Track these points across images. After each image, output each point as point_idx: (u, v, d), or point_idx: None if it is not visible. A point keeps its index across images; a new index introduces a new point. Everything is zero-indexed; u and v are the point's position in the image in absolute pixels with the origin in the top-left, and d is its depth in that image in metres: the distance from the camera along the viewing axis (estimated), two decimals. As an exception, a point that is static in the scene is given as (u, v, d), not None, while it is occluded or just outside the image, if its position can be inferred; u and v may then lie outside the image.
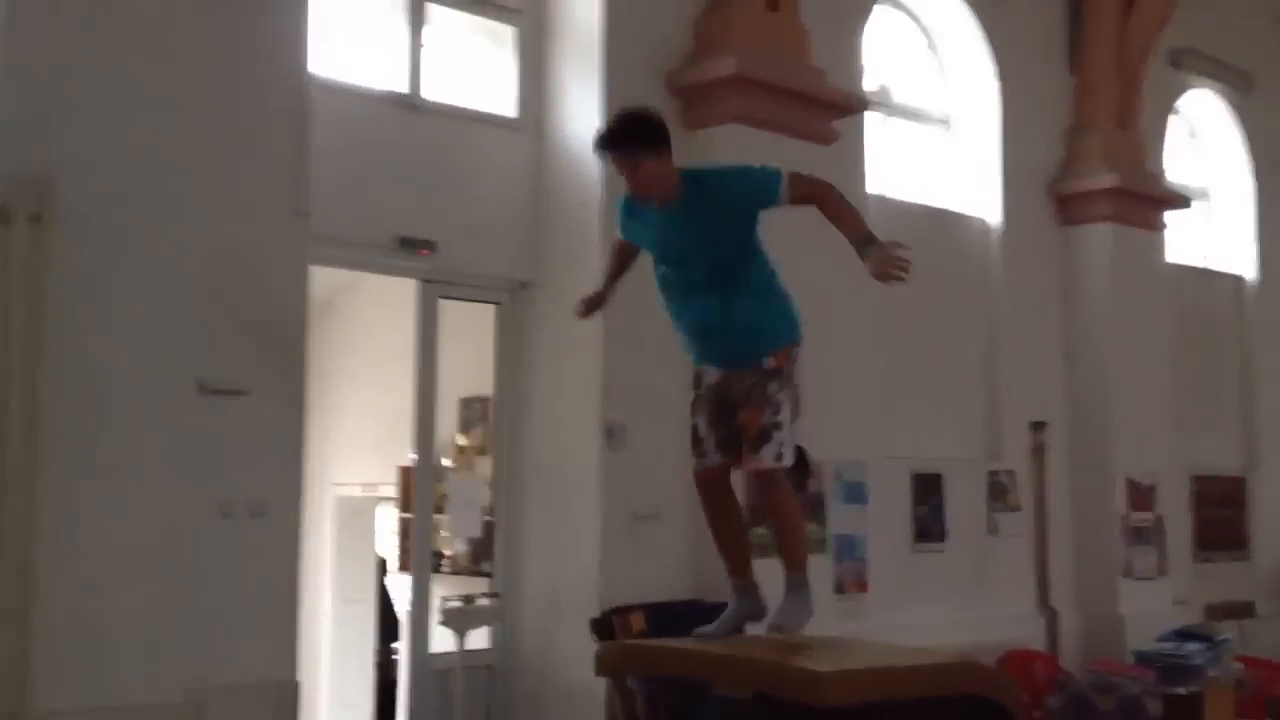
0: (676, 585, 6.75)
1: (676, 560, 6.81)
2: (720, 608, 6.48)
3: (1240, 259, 11.13)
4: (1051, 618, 8.69)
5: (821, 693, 3.70)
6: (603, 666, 4.36)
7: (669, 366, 6.93)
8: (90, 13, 5.08)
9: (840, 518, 7.46)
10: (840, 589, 7.41)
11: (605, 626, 6.26)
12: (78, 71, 5.02)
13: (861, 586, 7.53)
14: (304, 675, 7.85)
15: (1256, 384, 10.87)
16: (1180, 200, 10.02)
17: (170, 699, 4.95)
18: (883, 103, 8.57)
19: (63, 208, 4.84)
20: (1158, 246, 9.84)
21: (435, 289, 6.78)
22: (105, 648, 4.88)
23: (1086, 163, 9.26)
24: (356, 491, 8.15)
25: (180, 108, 5.21)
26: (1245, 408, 10.83)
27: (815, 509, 7.29)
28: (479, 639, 6.88)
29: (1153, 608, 8.81)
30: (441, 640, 6.76)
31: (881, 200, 8.28)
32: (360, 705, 8.00)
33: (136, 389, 5.05)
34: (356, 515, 8.30)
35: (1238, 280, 11.08)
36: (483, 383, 7.20)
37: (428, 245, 6.56)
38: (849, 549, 7.50)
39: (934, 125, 8.99)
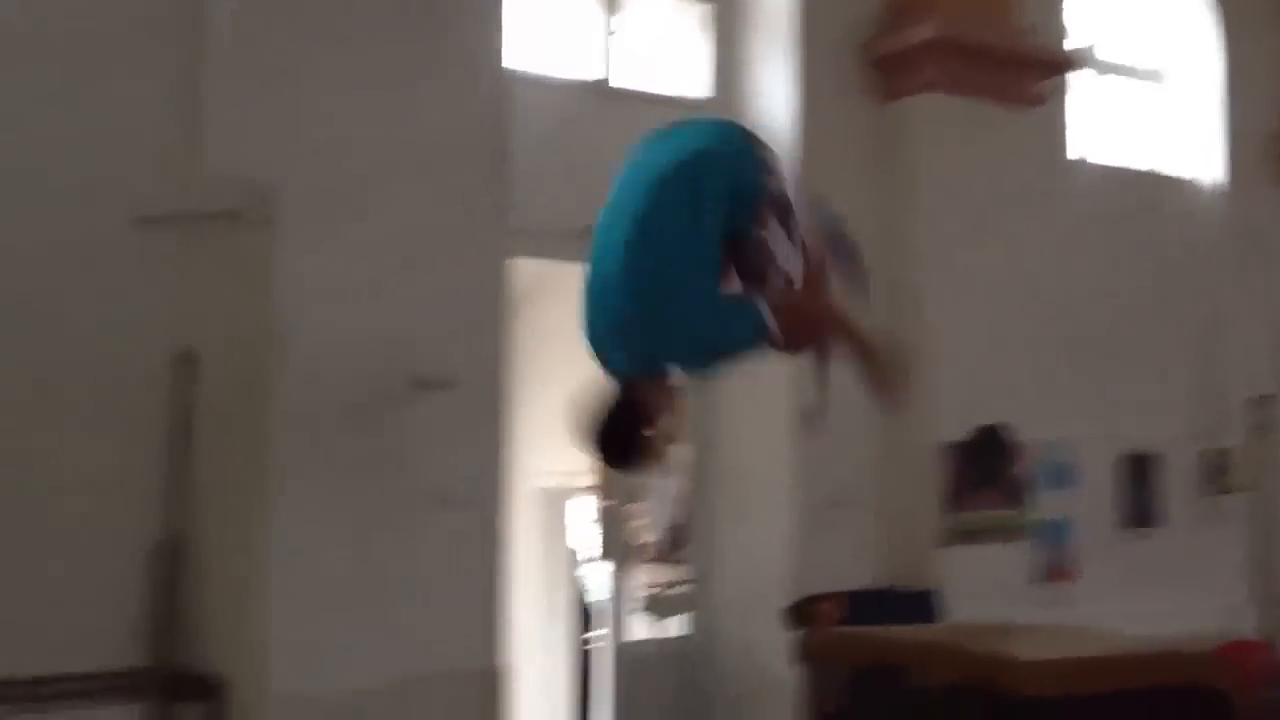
0: (870, 572, 6.67)
1: (870, 547, 6.73)
2: (917, 595, 6.43)
3: None
4: (1271, 606, 8.27)
5: (1023, 682, 3.61)
6: (800, 654, 4.32)
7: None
8: (308, 23, 5.26)
9: (1046, 501, 7.23)
10: (1045, 577, 7.20)
11: (799, 614, 6.22)
12: (295, 79, 5.20)
13: (1068, 574, 7.29)
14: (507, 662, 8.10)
15: None
16: None
17: (380, 685, 5.11)
18: (1090, 60, 8.20)
19: (285, 211, 5.05)
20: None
21: (628, 277, 6.79)
22: (323, 635, 5.06)
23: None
24: (553, 482, 8.28)
25: (388, 110, 5.34)
26: None
27: (1018, 492, 7.10)
28: (676, 626, 6.94)
29: (1382, 595, 8.30)
30: (639, 628, 6.85)
31: (1085, 165, 7.98)
32: (559, 692, 8.17)
33: (353, 384, 5.21)
34: (553, 506, 8.45)
35: None
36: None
37: (621, 233, 6.57)
38: (1055, 534, 7.27)
39: (1146, 82, 8.57)
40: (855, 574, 6.58)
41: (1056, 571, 7.24)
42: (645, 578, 7.13)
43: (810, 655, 4.46)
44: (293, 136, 5.14)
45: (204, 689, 4.91)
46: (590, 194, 6.44)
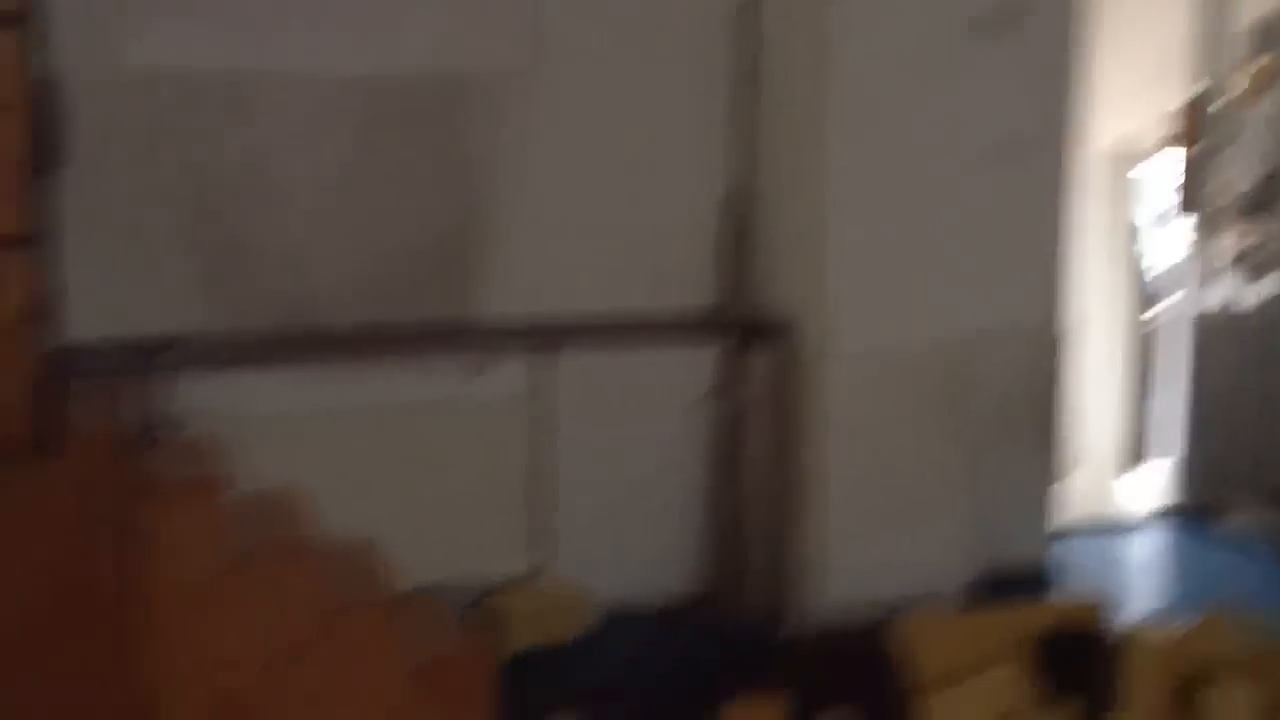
0: None
1: None
2: None
3: None
4: None
5: None
6: None
7: None
8: None
9: None
10: None
11: None
12: None
13: None
14: (1066, 328, 7.87)
15: None
16: None
17: (940, 339, 5.05)
18: None
19: None
20: None
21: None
22: (883, 287, 5.03)
23: None
24: (1120, 144, 7.72)
25: None
26: None
27: None
28: (1264, 290, 6.40)
29: None
30: (1219, 294, 6.40)
31: None
32: (1118, 367, 7.85)
33: (912, 29, 4.94)
34: (1118, 171, 7.90)
35: None
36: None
37: None
38: None
39: None
40: None
41: None
42: (1232, 237, 6.55)
43: None
44: None
45: (772, 334, 5.07)
46: None
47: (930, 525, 5.06)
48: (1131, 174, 7.73)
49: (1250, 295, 6.46)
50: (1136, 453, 7.54)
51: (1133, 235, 7.81)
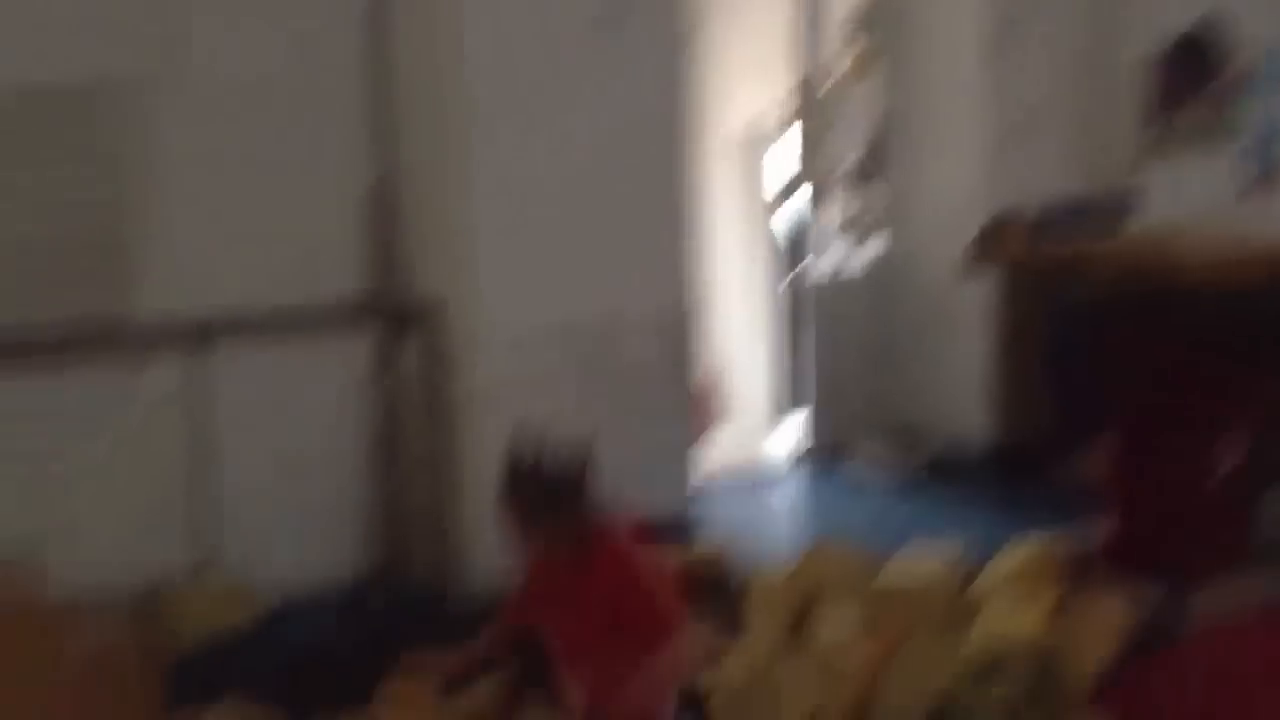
0: (1066, 187, 6.57)
1: (1066, 163, 6.60)
2: (1112, 208, 6.30)
3: None
4: None
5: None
6: (972, 263, 4.26)
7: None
8: None
9: (1261, 106, 6.87)
10: (1253, 188, 6.94)
11: (991, 235, 6.21)
12: None
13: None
14: (710, 303, 8.34)
15: None
16: None
17: (587, 315, 5.38)
18: None
19: None
20: None
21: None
22: (532, 269, 5.31)
23: None
24: (747, 120, 8.27)
25: None
26: None
27: (1227, 98, 6.76)
28: (873, 250, 7.06)
29: None
30: (835, 254, 6.99)
31: None
32: (763, 328, 8.44)
33: (536, 23, 5.24)
34: (751, 145, 8.47)
35: None
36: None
37: None
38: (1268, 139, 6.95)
39: None
40: (1051, 190, 6.50)
41: (1267, 179, 6.94)
42: (840, 206, 7.19)
43: (981, 260, 4.39)
44: None
45: (423, 318, 5.29)
46: None
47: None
48: (760, 153, 8.33)
49: (860, 257, 7.10)
50: (783, 405, 8.18)
51: (766, 209, 8.42)
